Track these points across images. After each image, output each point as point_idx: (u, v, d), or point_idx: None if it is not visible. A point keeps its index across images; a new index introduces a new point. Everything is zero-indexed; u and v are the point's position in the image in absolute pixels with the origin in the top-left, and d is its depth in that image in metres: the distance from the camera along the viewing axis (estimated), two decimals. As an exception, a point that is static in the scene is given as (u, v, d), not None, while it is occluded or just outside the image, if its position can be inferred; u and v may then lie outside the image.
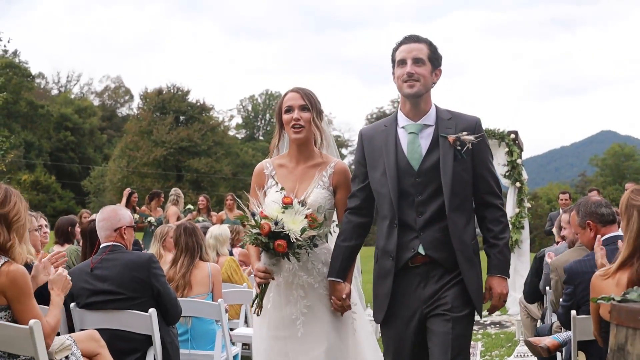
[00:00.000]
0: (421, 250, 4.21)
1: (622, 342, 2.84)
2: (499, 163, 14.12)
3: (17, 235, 4.33)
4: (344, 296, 4.42)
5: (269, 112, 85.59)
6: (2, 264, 4.19)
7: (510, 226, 13.85)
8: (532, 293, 7.77)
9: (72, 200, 65.25)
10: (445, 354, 4.09)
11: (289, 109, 4.62)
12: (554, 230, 8.86)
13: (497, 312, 13.80)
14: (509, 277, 4.33)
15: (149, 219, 14.85)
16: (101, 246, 5.57)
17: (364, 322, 4.77)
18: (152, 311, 5.30)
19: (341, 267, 4.45)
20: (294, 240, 4.19)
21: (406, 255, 4.24)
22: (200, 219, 14.77)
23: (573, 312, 5.10)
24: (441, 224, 4.20)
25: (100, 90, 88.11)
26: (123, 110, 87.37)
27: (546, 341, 5.89)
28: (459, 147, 4.20)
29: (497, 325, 12.52)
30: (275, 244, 4.18)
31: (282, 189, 4.52)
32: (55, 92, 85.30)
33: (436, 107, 4.38)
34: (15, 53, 64.86)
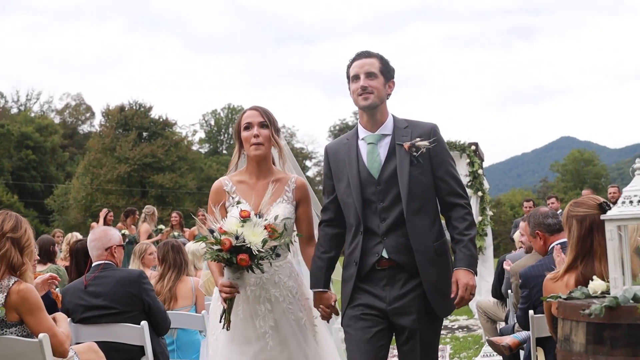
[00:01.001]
0: (385, 254, 4.38)
1: (567, 334, 3.31)
2: (461, 174, 14.59)
3: (29, 260, 4.70)
4: (333, 303, 4.62)
5: (231, 126, 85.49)
6: (13, 284, 4.56)
7: (474, 233, 14.45)
8: (495, 290, 8.46)
9: (36, 219, 64.57)
10: None
11: (248, 126, 4.76)
12: (515, 236, 9.43)
13: (464, 317, 14.31)
14: (476, 273, 4.40)
15: (122, 231, 15.20)
16: (93, 264, 5.94)
17: (326, 334, 4.94)
18: (144, 323, 5.67)
19: (325, 277, 4.64)
20: (256, 253, 4.25)
21: (371, 259, 4.42)
22: (175, 233, 15.16)
23: (531, 312, 5.45)
24: (404, 229, 4.38)
25: (60, 108, 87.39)
26: (84, 128, 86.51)
27: (507, 340, 6.31)
28: (414, 153, 4.38)
29: (465, 329, 12.99)
30: (238, 258, 4.23)
31: (238, 202, 4.63)
32: (15, 110, 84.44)
33: (394, 117, 4.59)
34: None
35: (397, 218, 4.41)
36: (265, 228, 4.33)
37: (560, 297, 3.47)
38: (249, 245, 4.24)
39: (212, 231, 4.34)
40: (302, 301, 4.74)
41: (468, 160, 14.63)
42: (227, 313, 4.47)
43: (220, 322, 4.56)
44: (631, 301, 3.12)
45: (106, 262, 5.92)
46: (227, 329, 4.50)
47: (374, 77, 4.49)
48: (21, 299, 4.55)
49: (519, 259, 7.67)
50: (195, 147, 76.40)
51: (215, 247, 4.27)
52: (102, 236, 5.97)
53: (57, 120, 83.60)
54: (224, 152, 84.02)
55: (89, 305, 5.76)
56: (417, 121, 4.60)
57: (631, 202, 3.32)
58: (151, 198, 61.29)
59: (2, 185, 62.08)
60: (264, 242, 4.28)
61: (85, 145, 70.20)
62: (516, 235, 9.21)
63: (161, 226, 15.70)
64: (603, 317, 3.11)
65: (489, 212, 14.60)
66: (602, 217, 3.43)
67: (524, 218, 7.98)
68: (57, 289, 6.36)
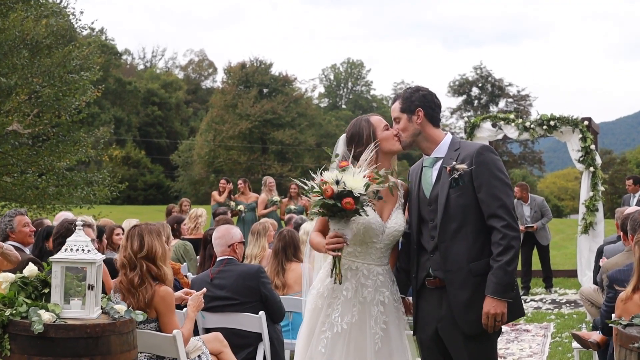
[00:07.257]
0: (431, 271, 4.69)
1: (622, 358, 3.82)
2: (573, 149, 14.86)
3: (163, 264, 5.47)
4: (410, 307, 5.01)
5: (351, 81, 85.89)
6: (156, 285, 5.38)
7: (585, 209, 14.64)
8: (596, 278, 8.66)
9: (162, 174, 67.12)
10: None
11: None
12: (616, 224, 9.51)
13: (573, 291, 14.57)
14: (503, 298, 4.48)
15: (238, 206, 16.04)
16: (217, 259, 6.72)
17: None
18: (262, 314, 6.43)
19: (405, 286, 5.02)
20: (359, 195, 4.37)
21: (422, 274, 4.74)
22: (292, 206, 15.87)
23: (614, 315, 5.49)
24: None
25: (184, 64, 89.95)
26: (207, 83, 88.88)
27: (595, 337, 6.42)
28: (455, 176, 4.61)
29: (573, 304, 13.26)
30: (343, 202, 4.33)
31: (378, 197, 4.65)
32: (141, 67, 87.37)
33: (452, 139, 4.85)
34: (102, 31, 66.54)
35: None
36: (366, 176, 4.48)
37: (620, 324, 3.96)
38: (350, 190, 4.37)
39: (313, 187, 4.51)
40: (400, 302, 4.91)
41: (580, 136, 14.72)
42: (337, 265, 4.56)
43: (331, 277, 4.63)
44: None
45: (229, 257, 6.71)
46: (340, 283, 4.59)
47: (398, 121, 4.85)
48: (161, 299, 5.39)
49: (614, 249, 7.87)
50: (314, 102, 76.93)
51: (318, 197, 4.43)
52: (225, 234, 6.75)
53: (180, 75, 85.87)
54: (343, 106, 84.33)
55: (214, 296, 6.55)
56: (469, 142, 4.93)
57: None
58: (272, 154, 62.66)
59: (130, 141, 64.46)
60: (367, 186, 4.41)
61: (207, 101, 71.98)
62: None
63: (275, 197, 16.10)
64: (650, 350, 3.60)
65: (601, 188, 14.69)
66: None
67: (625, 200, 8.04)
68: (189, 274, 7.26)
